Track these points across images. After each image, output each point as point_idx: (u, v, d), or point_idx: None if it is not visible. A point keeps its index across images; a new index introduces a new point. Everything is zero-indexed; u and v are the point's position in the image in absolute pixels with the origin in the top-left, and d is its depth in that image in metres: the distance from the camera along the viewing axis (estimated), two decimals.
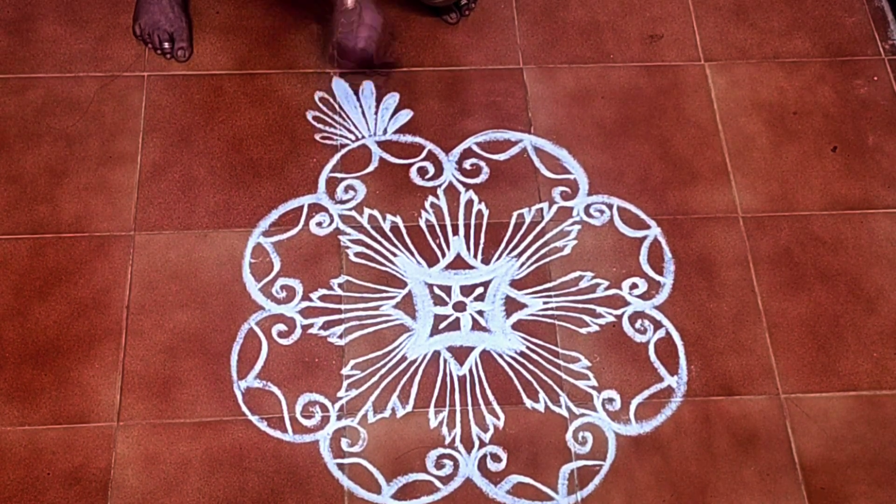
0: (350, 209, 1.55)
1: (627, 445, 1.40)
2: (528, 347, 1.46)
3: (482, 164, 1.60)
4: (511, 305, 1.49)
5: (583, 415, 1.42)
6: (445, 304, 1.49)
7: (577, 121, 1.65)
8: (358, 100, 1.65)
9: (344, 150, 1.61)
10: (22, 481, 1.33)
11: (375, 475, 1.37)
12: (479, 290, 1.50)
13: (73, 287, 1.46)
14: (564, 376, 1.44)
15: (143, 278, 1.47)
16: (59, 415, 1.37)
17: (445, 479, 1.37)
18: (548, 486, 1.37)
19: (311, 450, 1.38)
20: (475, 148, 1.62)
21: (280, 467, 1.36)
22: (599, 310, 1.49)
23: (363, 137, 1.62)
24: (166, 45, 1.61)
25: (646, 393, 1.43)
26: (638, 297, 1.51)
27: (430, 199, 1.57)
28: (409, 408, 1.41)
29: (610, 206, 1.58)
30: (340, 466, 1.37)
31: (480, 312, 1.49)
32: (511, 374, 1.44)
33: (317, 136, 1.61)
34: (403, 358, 1.45)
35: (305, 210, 1.55)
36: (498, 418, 1.41)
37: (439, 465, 1.37)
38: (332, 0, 1.50)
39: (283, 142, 1.60)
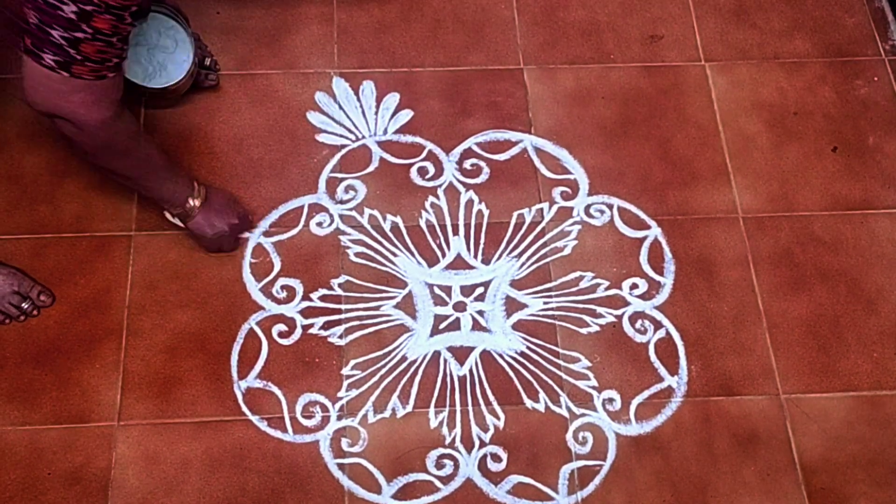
0: (350, 209, 1.56)
1: (627, 445, 1.40)
2: (528, 347, 1.46)
3: (482, 164, 1.60)
4: (511, 305, 1.49)
5: (583, 415, 1.42)
6: (446, 304, 1.49)
7: (578, 121, 1.65)
8: (358, 100, 1.65)
9: (344, 150, 1.61)
10: (22, 481, 1.33)
11: (376, 475, 1.37)
12: (480, 290, 1.50)
13: (73, 287, 1.46)
14: (565, 376, 1.44)
15: (143, 278, 1.47)
16: (60, 415, 1.37)
17: (446, 480, 1.37)
18: (548, 486, 1.37)
19: (311, 450, 1.38)
20: (475, 148, 1.62)
21: (280, 467, 1.36)
22: (600, 310, 1.49)
23: (363, 137, 1.62)
24: (24, 304, 1.42)
25: (646, 393, 1.44)
26: (638, 297, 1.51)
27: (431, 199, 1.57)
28: (410, 408, 1.41)
29: (610, 207, 1.58)
30: (341, 466, 1.37)
31: (481, 312, 1.49)
32: (511, 374, 1.44)
33: (317, 136, 1.61)
34: (404, 358, 1.45)
35: (306, 210, 1.55)
36: (498, 418, 1.41)
37: (439, 465, 1.38)
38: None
39: (283, 142, 1.60)
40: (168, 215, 1.44)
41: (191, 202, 1.39)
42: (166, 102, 1.59)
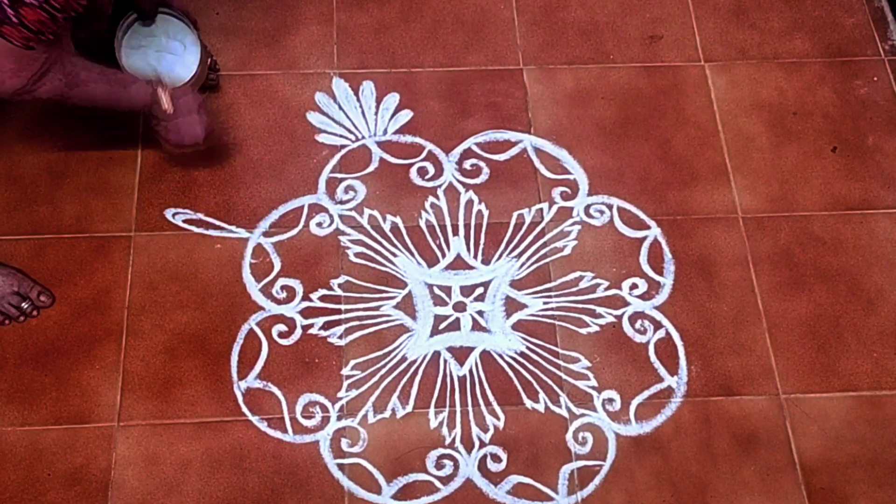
0: (350, 209, 1.56)
1: (627, 445, 1.40)
2: (528, 348, 1.46)
3: (482, 164, 1.60)
4: (511, 306, 1.49)
5: (583, 415, 1.42)
6: (445, 304, 1.49)
7: (577, 121, 1.65)
8: (358, 100, 1.65)
9: (344, 151, 1.61)
10: (22, 481, 1.33)
11: (376, 475, 1.37)
12: (479, 290, 1.50)
13: (73, 288, 1.46)
14: (564, 376, 1.44)
15: (143, 279, 1.47)
16: (60, 415, 1.37)
17: (445, 480, 1.37)
18: (548, 487, 1.37)
19: (311, 450, 1.38)
20: (475, 148, 1.62)
21: (280, 468, 1.36)
22: (599, 310, 1.49)
23: (363, 138, 1.62)
24: (24, 305, 1.42)
25: (646, 393, 1.44)
26: (638, 297, 1.51)
27: (430, 199, 1.57)
28: (410, 408, 1.41)
29: (610, 207, 1.58)
30: (341, 467, 1.37)
31: (480, 313, 1.49)
32: (511, 374, 1.44)
33: (317, 137, 1.61)
34: (403, 358, 1.45)
35: (305, 210, 1.55)
36: (498, 418, 1.41)
37: (439, 466, 1.38)
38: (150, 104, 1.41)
39: (283, 142, 1.60)
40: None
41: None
42: None
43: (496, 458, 1.38)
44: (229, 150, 1.59)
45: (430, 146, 1.62)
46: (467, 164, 1.60)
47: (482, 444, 1.39)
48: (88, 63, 1.31)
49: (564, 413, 1.42)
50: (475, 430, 1.40)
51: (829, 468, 1.39)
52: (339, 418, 1.40)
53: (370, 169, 1.59)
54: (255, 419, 1.39)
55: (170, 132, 1.43)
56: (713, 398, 1.44)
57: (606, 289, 1.51)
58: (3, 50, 1.09)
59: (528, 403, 1.42)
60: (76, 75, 1.27)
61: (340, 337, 1.45)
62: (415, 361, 1.44)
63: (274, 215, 1.54)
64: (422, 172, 1.59)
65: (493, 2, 1.77)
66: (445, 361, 1.45)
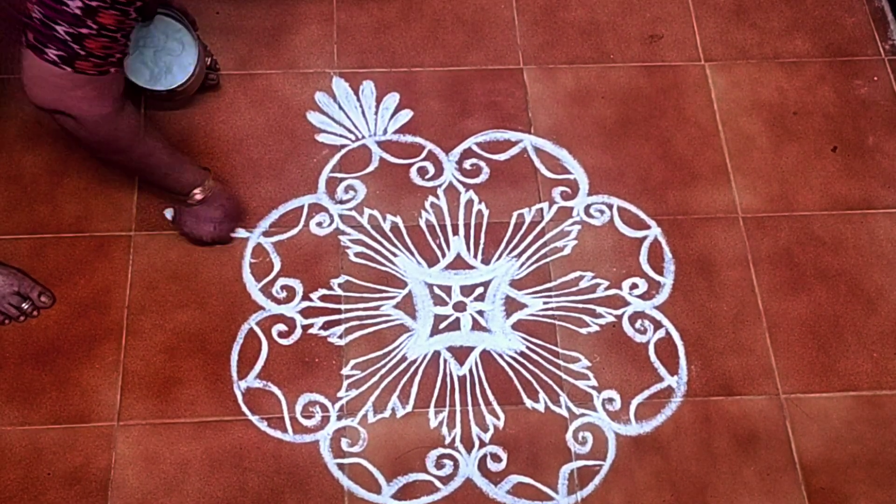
0: (350, 209, 1.56)
1: (627, 445, 1.40)
2: (528, 347, 1.46)
3: (482, 164, 1.60)
4: (511, 305, 1.49)
5: (583, 415, 1.42)
6: (445, 304, 1.49)
7: (577, 121, 1.65)
8: (358, 100, 1.65)
9: (344, 150, 1.61)
10: (22, 481, 1.33)
11: (375, 475, 1.37)
12: (479, 290, 1.50)
13: (73, 287, 1.46)
14: (564, 376, 1.44)
15: (143, 278, 1.47)
16: (60, 415, 1.37)
17: (445, 479, 1.37)
18: (548, 486, 1.37)
19: (311, 450, 1.38)
20: (475, 148, 1.62)
21: (280, 467, 1.36)
22: (599, 310, 1.49)
23: (363, 137, 1.62)
24: (24, 305, 1.42)
25: (646, 393, 1.44)
26: (638, 297, 1.51)
27: (430, 199, 1.57)
28: (409, 408, 1.41)
29: (610, 206, 1.58)
30: (340, 466, 1.37)
31: (480, 312, 1.49)
32: (511, 374, 1.44)
33: (317, 136, 1.61)
34: (403, 358, 1.45)
35: (305, 210, 1.55)
36: (498, 418, 1.41)
37: (439, 465, 1.38)
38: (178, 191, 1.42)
39: (283, 142, 1.60)
40: (167, 213, 1.45)
41: (196, 194, 1.40)
42: (171, 105, 1.59)
43: (496, 458, 1.38)
44: (229, 149, 1.59)
45: (430, 146, 1.62)
46: (467, 164, 1.60)
47: (482, 444, 1.39)
48: (156, 131, 1.39)
49: (564, 413, 1.42)
50: (475, 429, 1.40)
51: (829, 468, 1.39)
52: (338, 418, 1.40)
53: (370, 169, 1.59)
54: (254, 419, 1.39)
55: (186, 223, 1.46)
56: (713, 398, 1.44)
57: (606, 288, 1.51)
58: (81, 81, 1.14)
59: (528, 403, 1.42)
60: (145, 122, 1.32)
61: (340, 337, 1.45)
62: (415, 361, 1.44)
63: (274, 215, 1.54)
64: (422, 172, 1.59)
65: (493, 1, 1.76)
66: (445, 361, 1.45)
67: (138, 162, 1.32)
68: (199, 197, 1.40)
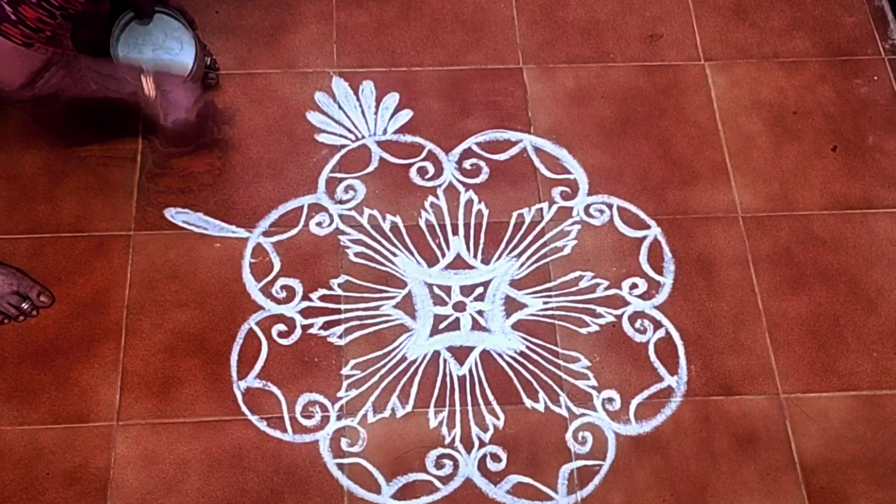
0: (350, 209, 1.55)
1: (627, 445, 1.40)
2: (527, 347, 1.46)
3: (482, 163, 1.60)
4: (511, 305, 1.49)
5: (583, 415, 1.42)
6: (445, 304, 1.49)
7: (577, 120, 1.65)
8: (358, 99, 1.65)
9: (344, 150, 1.60)
10: (21, 481, 1.33)
11: (375, 475, 1.36)
12: (479, 289, 1.50)
13: (72, 287, 1.46)
14: (564, 376, 1.44)
15: (142, 278, 1.47)
16: (59, 414, 1.37)
17: (445, 479, 1.37)
18: (548, 486, 1.37)
19: (310, 450, 1.38)
20: (475, 148, 1.62)
21: (280, 467, 1.36)
22: (599, 310, 1.49)
23: (363, 137, 1.62)
24: (23, 304, 1.41)
25: (646, 393, 1.43)
26: (638, 296, 1.51)
27: (430, 198, 1.57)
28: (409, 408, 1.41)
29: (610, 206, 1.58)
30: (340, 466, 1.37)
31: (480, 312, 1.48)
32: (511, 373, 1.44)
33: (316, 136, 1.61)
34: (403, 358, 1.45)
35: (305, 210, 1.55)
36: (498, 418, 1.41)
37: (439, 465, 1.37)
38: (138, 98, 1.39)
39: (283, 141, 1.60)
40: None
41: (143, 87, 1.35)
42: None
43: (496, 458, 1.38)
44: (228, 148, 1.59)
45: (429, 146, 1.62)
46: (467, 164, 1.60)
47: (482, 444, 1.39)
48: (84, 58, 1.32)
49: (564, 413, 1.42)
50: (475, 429, 1.40)
51: (829, 468, 1.39)
52: (338, 418, 1.40)
53: (370, 168, 1.59)
54: (254, 419, 1.39)
55: (161, 110, 1.40)
56: (713, 398, 1.44)
57: (606, 288, 1.51)
58: (5, 48, 1.10)
59: (528, 403, 1.42)
60: (76, 71, 1.27)
61: (340, 336, 1.45)
62: (414, 361, 1.44)
63: (274, 215, 1.54)
64: (422, 172, 1.59)
65: (492, 1, 1.76)
66: (445, 361, 1.45)
67: (70, 100, 1.28)
68: (151, 94, 1.35)
